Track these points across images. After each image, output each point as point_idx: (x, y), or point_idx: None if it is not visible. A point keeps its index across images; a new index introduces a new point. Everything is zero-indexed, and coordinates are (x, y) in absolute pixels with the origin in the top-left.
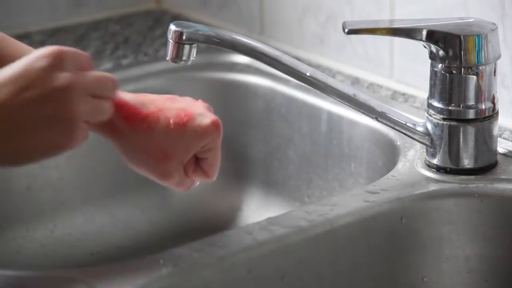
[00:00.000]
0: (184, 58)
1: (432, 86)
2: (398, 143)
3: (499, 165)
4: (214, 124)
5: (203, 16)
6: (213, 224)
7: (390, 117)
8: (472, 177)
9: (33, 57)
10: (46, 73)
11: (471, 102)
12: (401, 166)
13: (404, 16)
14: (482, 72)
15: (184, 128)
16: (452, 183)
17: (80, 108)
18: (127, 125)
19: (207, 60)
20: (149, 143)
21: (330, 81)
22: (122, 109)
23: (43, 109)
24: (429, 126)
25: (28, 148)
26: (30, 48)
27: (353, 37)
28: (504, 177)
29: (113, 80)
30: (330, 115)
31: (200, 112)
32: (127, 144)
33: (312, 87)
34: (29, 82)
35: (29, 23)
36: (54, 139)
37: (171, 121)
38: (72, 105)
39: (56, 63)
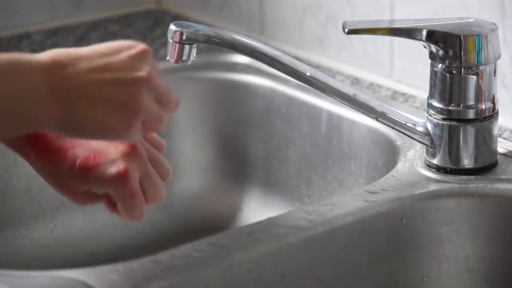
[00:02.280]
0: (184, 58)
1: (432, 86)
2: (398, 143)
3: (499, 165)
4: (119, 175)
5: (203, 16)
6: (213, 224)
7: (390, 117)
8: (472, 177)
9: (124, 44)
10: (131, 61)
11: (471, 102)
12: (401, 166)
13: (404, 16)
14: (482, 72)
15: (87, 173)
16: (452, 183)
17: (146, 103)
18: (34, 154)
19: (207, 60)
20: (54, 177)
21: (330, 81)
22: (35, 137)
23: (115, 91)
24: (429, 126)
25: (88, 122)
26: None
27: (353, 37)
28: (504, 177)
29: (177, 98)
30: (330, 115)
31: (112, 158)
32: (35, 167)
33: (312, 87)
34: (113, 63)
35: (29, 23)
36: (112, 121)
37: (77, 163)
38: (141, 97)
39: (142, 57)
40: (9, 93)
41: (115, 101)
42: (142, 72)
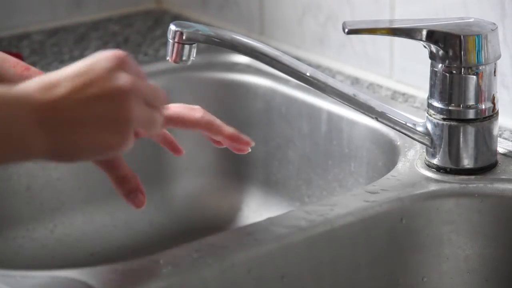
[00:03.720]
0: (184, 58)
1: (432, 86)
2: (398, 143)
3: (499, 165)
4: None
5: (203, 16)
6: (213, 224)
7: (390, 117)
8: (472, 177)
9: (98, 57)
10: (110, 73)
11: (471, 102)
12: (401, 166)
13: (404, 16)
14: (482, 72)
15: None
16: (452, 183)
17: (136, 112)
18: None
19: (207, 60)
20: None
21: (330, 81)
22: None
23: (101, 107)
24: (429, 126)
25: (81, 144)
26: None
27: (353, 37)
28: (504, 177)
29: (165, 93)
30: (330, 115)
31: None
32: None
33: (312, 87)
34: (92, 79)
35: (29, 23)
36: (106, 138)
37: None
38: (130, 108)
39: (120, 65)
40: None
41: (104, 118)
42: (124, 81)
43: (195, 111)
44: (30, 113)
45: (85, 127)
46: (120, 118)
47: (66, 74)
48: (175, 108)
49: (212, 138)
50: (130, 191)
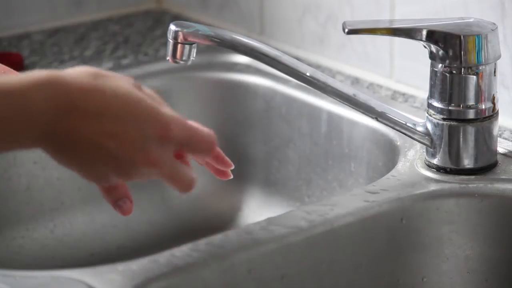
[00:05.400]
0: (184, 58)
1: (432, 86)
2: (398, 143)
3: (499, 165)
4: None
5: (203, 16)
6: (213, 224)
7: (390, 117)
8: (472, 177)
9: (152, 114)
10: (145, 143)
11: (471, 102)
12: (401, 166)
13: (404, 16)
14: (482, 72)
15: None
16: (452, 183)
17: (157, 160)
18: None
19: (207, 60)
20: None
21: (330, 81)
22: None
23: (114, 161)
24: (429, 126)
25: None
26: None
27: (353, 37)
28: (504, 177)
29: (212, 139)
30: (330, 115)
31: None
32: None
33: (312, 87)
34: (126, 137)
35: (29, 23)
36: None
37: None
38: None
39: (163, 141)
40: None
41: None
42: (146, 161)
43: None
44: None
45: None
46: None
47: (108, 107)
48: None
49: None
50: (118, 199)
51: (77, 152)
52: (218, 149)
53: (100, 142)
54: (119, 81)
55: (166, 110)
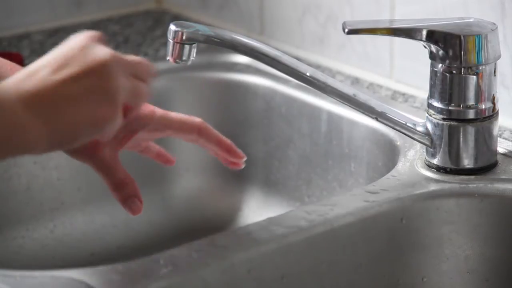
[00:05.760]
0: (184, 58)
1: (432, 86)
2: (398, 143)
3: (499, 165)
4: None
5: (203, 16)
6: (213, 224)
7: (390, 117)
8: (472, 177)
9: (72, 39)
10: (86, 49)
11: (471, 102)
12: (401, 166)
13: (404, 16)
14: (482, 72)
15: None
16: (452, 183)
17: (121, 82)
18: None
19: (207, 60)
20: None
21: (330, 81)
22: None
23: (85, 81)
24: (429, 126)
25: (75, 122)
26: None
27: (353, 37)
28: (504, 177)
29: (150, 64)
30: (330, 115)
31: None
32: None
33: (312, 87)
34: (70, 58)
35: (29, 23)
36: (98, 111)
37: None
38: (114, 78)
39: (96, 41)
40: None
41: (90, 91)
42: (102, 54)
43: (194, 117)
44: (16, 102)
45: (74, 104)
46: (107, 88)
47: (45, 60)
48: (173, 114)
49: (207, 145)
50: (127, 197)
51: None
52: (229, 142)
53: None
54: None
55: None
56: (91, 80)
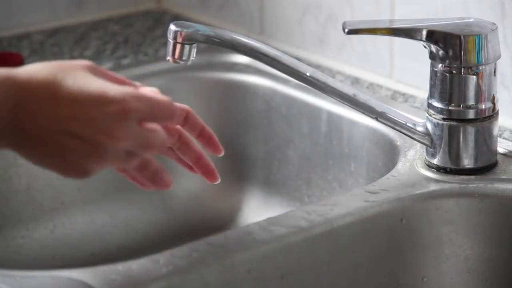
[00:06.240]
0: (184, 58)
1: (432, 86)
2: (398, 143)
3: (499, 165)
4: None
5: (203, 16)
6: (213, 224)
7: (390, 117)
8: (472, 177)
9: (108, 95)
10: (106, 121)
11: (471, 102)
12: (401, 166)
13: (404, 16)
14: (482, 72)
15: None
16: (452, 183)
17: (122, 144)
18: None
19: (207, 60)
20: None
21: (330, 81)
22: None
23: (79, 143)
24: (429, 126)
25: (41, 161)
26: None
27: (353, 37)
28: (504, 177)
29: (169, 103)
30: (330, 115)
31: None
32: None
33: (312, 87)
34: (85, 119)
35: (29, 23)
36: (74, 163)
37: None
38: (108, 153)
39: (123, 116)
40: None
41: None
42: (111, 138)
43: (182, 104)
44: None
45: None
46: (98, 148)
47: (65, 94)
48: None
49: (183, 161)
50: (153, 175)
51: (41, 141)
52: (212, 132)
53: (60, 128)
54: (73, 67)
55: (118, 86)
56: (83, 144)
